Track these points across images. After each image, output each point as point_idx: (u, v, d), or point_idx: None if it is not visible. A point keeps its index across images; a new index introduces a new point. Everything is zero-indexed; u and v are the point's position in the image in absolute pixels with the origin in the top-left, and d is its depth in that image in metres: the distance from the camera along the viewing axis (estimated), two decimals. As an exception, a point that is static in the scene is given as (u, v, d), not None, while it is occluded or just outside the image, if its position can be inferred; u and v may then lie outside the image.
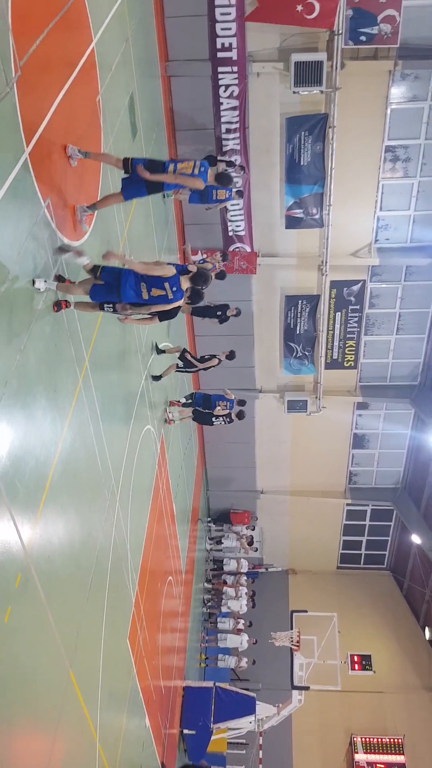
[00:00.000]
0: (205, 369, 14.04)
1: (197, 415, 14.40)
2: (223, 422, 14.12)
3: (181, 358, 13.79)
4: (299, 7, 13.18)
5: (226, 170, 14.08)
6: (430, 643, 21.86)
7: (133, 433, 10.84)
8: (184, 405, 14.49)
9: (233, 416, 13.99)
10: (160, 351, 13.26)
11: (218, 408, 13.81)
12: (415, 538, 20.77)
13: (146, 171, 7.87)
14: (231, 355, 13.82)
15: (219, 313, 14.13)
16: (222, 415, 13.93)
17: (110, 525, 9.27)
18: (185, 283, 7.33)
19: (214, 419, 14.02)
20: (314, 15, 13.23)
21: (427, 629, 22.19)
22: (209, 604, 21.31)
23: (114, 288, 7.03)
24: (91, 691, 8.13)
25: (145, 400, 12.08)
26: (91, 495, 8.35)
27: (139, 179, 8.03)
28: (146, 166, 7.95)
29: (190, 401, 14.36)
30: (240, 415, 14.06)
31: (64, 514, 7.24)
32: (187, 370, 14.25)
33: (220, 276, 13.63)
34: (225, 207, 15.90)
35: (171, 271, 7.12)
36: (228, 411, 13.89)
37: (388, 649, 22.12)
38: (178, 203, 15.64)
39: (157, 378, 12.82)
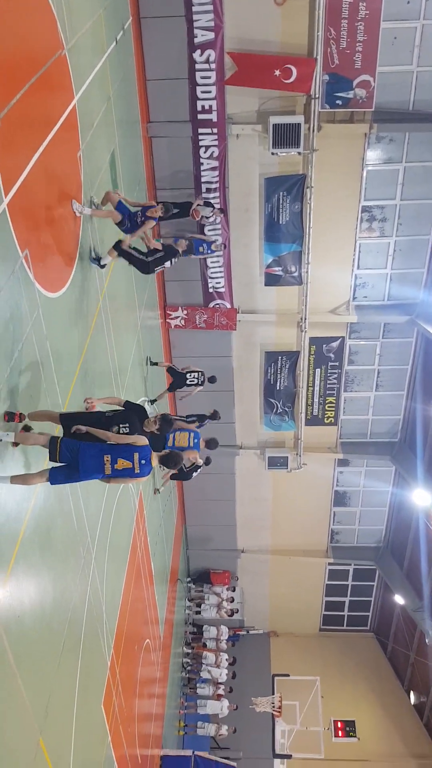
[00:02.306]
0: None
1: (176, 475, 14.12)
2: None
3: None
4: (277, 72, 13.65)
5: (206, 217, 14.50)
6: (415, 708, 21.15)
7: (111, 489, 10.56)
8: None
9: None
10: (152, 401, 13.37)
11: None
12: (399, 599, 20.33)
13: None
14: (214, 415, 13.70)
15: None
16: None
17: (85, 584, 8.91)
18: (155, 460, 6.65)
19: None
20: (292, 79, 13.71)
21: (412, 693, 21.51)
22: (188, 668, 20.53)
23: (73, 467, 6.24)
24: (62, 760, 7.63)
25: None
26: (66, 552, 8.03)
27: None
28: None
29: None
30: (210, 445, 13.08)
31: (36, 572, 6.92)
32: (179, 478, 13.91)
33: None
34: (205, 261, 16.12)
35: (142, 441, 6.46)
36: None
37: (372, 715, 21.33)
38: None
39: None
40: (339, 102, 14.09)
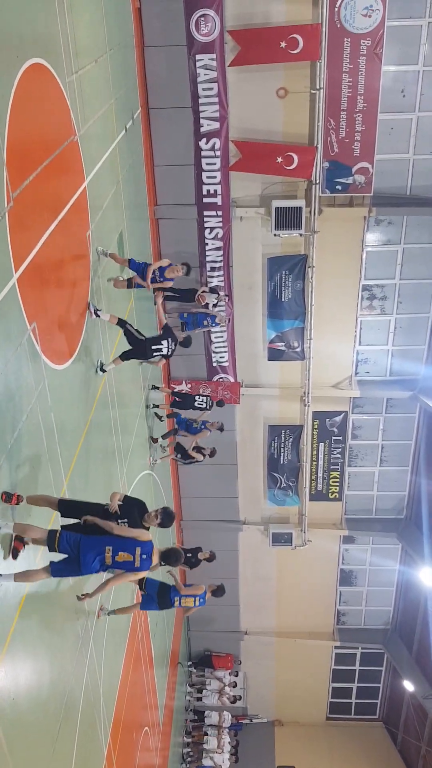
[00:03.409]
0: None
1: (180, 452, 14.73)
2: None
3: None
4: (279, 159, 14.28)
5: (212, 304, 14.90)
6: (429, 806, 19.97)
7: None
8: (164, 436, 14.50)
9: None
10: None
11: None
12: (408, 685, 19.53)
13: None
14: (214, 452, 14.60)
15: (189, 555, 14.09)
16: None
17: (82, 666, 8.63)
18: (156, 556, 6.68)
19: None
20: (293, 166, 14.33)
21: (425, 789, 20.36)
22: (188, 759, 19.54)
23: (74, 560, 6.27)
24: None
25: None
26: (64, 632, 7.83)
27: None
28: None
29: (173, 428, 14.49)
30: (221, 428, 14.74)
31: (33, 651, 6.73)
32: (181, 460, 15.06)
33: (220, 404, 15.06)
34: (209, 335, 16.35)
35: (146, 537, 6.51)
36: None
37: None
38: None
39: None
40: (339, 187, 14.67)
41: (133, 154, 12.71)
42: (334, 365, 17.04)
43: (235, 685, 21.95)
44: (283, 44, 13.31)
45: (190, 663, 22.36)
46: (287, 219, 14.82)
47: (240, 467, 18.75)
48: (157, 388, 14.67)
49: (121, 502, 7.26)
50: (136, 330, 10.33)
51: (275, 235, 15.08)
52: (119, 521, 6.91)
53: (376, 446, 18.23)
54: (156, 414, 14.64)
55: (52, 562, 6.29)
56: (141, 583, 10.05)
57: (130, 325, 10.19)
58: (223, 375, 17.11)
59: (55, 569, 6.27)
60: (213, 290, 15.34)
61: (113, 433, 10.65)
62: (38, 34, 7.09)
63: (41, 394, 6.97)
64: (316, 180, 14.57)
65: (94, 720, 9.19)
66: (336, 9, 13.05)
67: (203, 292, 14.87)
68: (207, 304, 15.06)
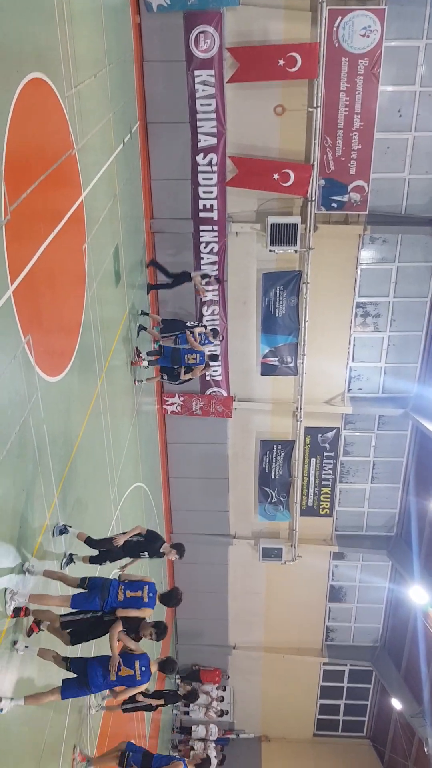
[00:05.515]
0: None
1: (167, 372, 13.81)
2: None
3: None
4: (276, 176, 14.39)
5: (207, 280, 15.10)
6: None
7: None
8: (150, 363, 13.46)
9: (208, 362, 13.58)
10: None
11: (189, 359, 13.20)
12: (396, 703, 19.43)
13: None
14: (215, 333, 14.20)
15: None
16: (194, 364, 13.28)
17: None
18: (154, 667, 7.43)
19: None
20: (289, 183, 14.44)
21: (411, 809, 20.22)
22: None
23: (83, 680, 6.97)
24: None
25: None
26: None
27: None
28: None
29: (157, 354, 13.43)
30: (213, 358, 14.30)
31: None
32: (169, 381, 14.21)
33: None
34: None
35: (140, 650, 7.10)
36: (201, 365, 13.39)
37: None
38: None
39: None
40: (334, 205, 14.78)
41: (131, 168, 12.79)
42: (327, 381, 17.08)
43: (222, 700, 21.80)
44: (281, 62, 13.45)
45: (177, 676, 22.20)
46: (283, 235, 14.90)
47: (231, 481, 18.73)
48: (145, 329, 13.68)
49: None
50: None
51: (270, 250, 15.16)
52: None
53: (368, 463, 18.25)
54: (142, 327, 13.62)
55: (63, 684, 6.96)
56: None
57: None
58: (216, 389, 17.13)
59: (65, 691, 6.94)
60: (205, 275, 15.21)
61: (105, 443, 10.64)
62: (38, 48, 7.16)
63: (34, 406, 6.97)
64: (312, 197, 14.68)
65: (80, 732, 9.12)
66: (335, 29, 13.20)
67: (197, 276, 14.80)
68: (202, 286, 15.08)
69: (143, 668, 6.98)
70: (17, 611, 6.43)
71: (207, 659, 22.16)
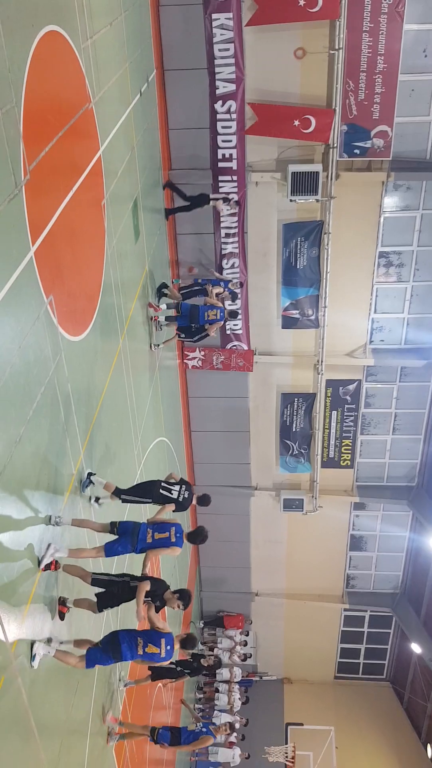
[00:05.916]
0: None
1: (185, 331, 13.50)
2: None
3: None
4: (296, 122, 14.01)
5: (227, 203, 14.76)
6: (433, 763, 20.51)
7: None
8: (167, 318, 12.99)
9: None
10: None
11: (209, 315, 13.02)
12: (415, 648, 19.90)
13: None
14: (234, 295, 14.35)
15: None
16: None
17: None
18: (177, 644, 7.55)
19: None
20: (310, 130, 14.05)
21: (429, 747, 20.87)
22: (200, 714, 20.11)
23: (111, 649, 7.20)
24: None
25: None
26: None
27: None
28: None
29: (175, 312, 13.10)
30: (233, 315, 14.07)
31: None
32: (187, 339, 14.19)
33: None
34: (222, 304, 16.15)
35: (167, 629, 7.35)
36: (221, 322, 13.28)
37: (389, 769, 20.71)
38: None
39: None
40: (357, 151, 14.39)
41: (148, 118, 12.51)
42: (349, 333, 16.95)
43: (245, 644, 22.44)
44: (302, 2, 12.91)
45: (201, 622, 22.86)
46: (303, 184, 14.58)
47: (252, 434, 18.86)
48: (166, 294, 13.33)
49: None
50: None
51: (291, 200, 14.86)
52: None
53: (389, 415, 18.24)
54: (162, 291, 13.32)
55: (88, 652, 7.16)
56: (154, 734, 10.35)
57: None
58: (236, 342, 17.09)
59: (90, 660, 7.14)
60: (225, 199, 14.74)
61: (128, 399, 10.73)
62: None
63: (58, 366, 7.03)
64: (333, 144, 14.30)
65: (109, 673, 9.50)
66: (357, -35, 12.64)
67: (215, 200, 14.46)
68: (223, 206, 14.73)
69: (168, 647, 7.27)
70: (48, 565, 6.61)
71: (230, 605, 22.75)
